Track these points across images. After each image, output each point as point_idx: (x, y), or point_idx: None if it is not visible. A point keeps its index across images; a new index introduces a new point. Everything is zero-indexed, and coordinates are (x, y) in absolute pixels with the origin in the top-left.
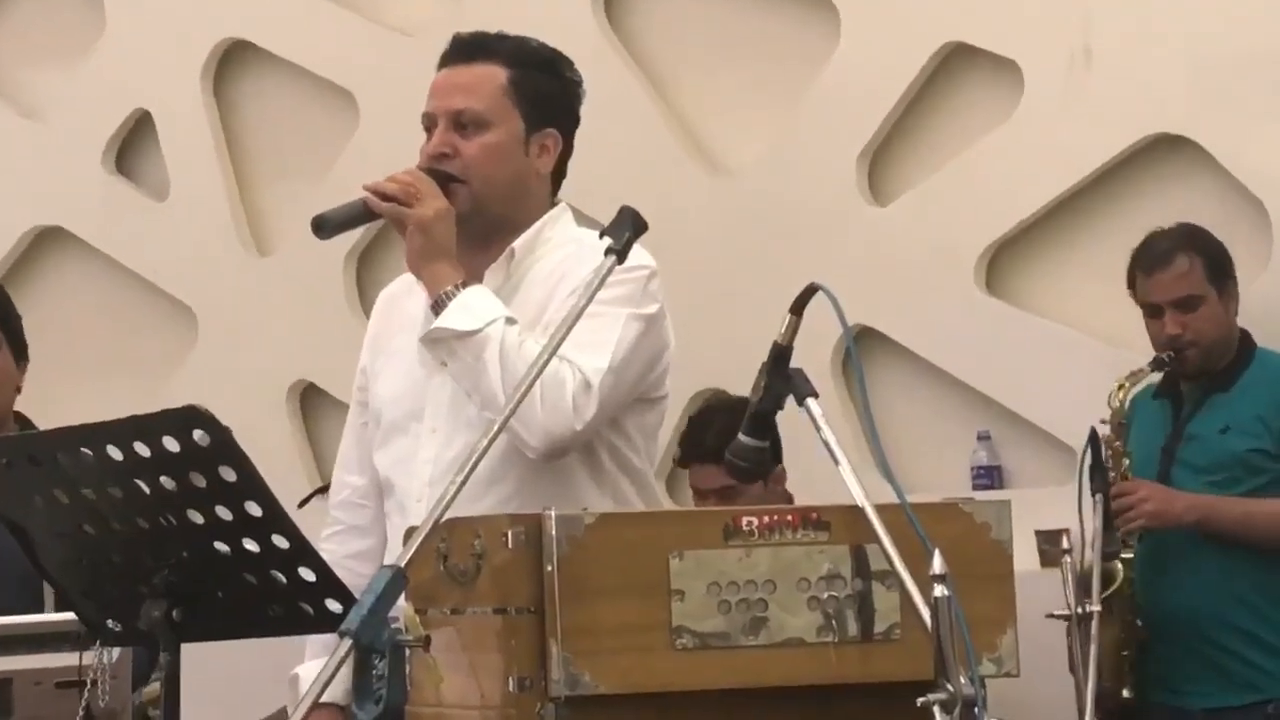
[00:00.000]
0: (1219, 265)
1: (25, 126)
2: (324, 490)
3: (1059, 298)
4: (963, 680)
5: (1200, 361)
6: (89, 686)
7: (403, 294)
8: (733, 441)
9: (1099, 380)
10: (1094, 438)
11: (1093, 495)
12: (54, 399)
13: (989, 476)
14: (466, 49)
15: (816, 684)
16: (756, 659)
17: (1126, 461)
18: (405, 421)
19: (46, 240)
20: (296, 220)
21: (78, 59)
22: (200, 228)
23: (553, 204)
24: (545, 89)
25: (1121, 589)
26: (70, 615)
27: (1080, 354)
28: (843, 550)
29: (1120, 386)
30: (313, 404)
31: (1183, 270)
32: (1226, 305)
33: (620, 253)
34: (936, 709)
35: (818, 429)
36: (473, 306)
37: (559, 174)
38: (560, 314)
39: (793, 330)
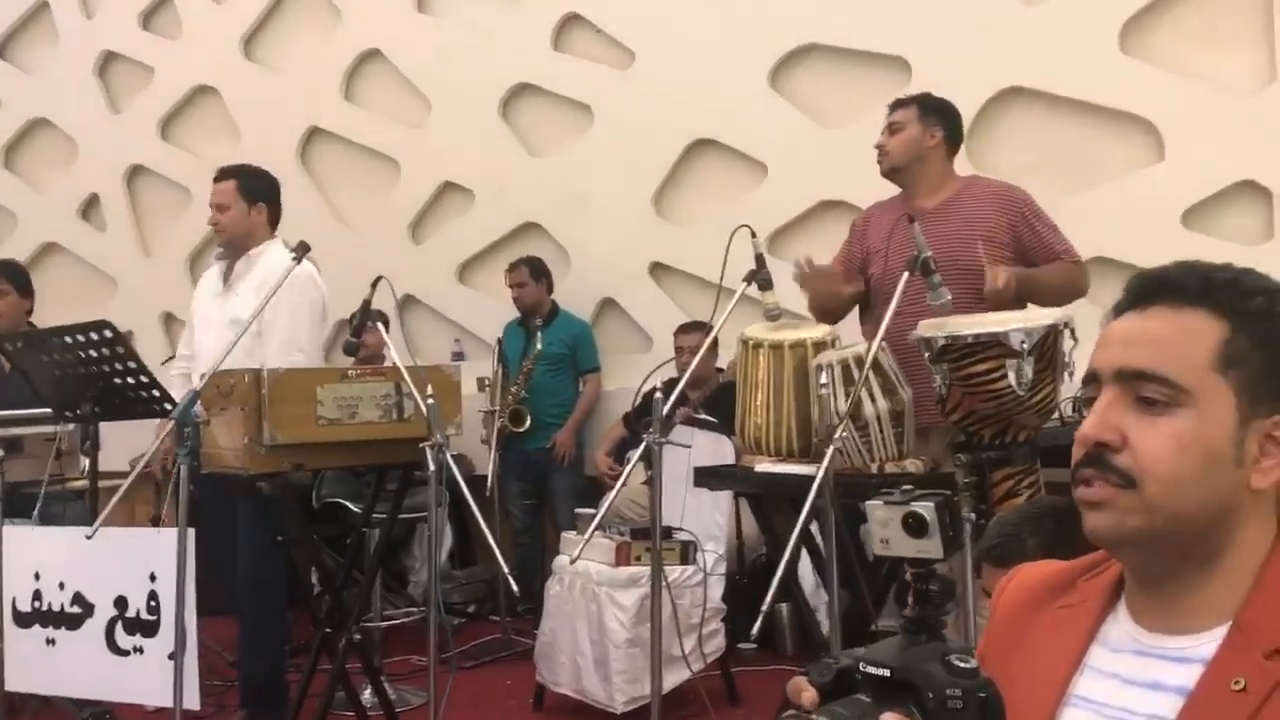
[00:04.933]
0: (539, 273)
1: None
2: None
3: (497, 287)
4: (440, 436)
5: (525, 309)
6: (58, 440)
7: (209, 277)
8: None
9: (502, 316)
10: (499, 341)
11: (497, 364)
12: None
13: (460, 358)
14: (222, 173)
15: (379, 439)
16: (354, 429)
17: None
18: (203, 330)
19: None
20: None
21: None
22: None
23: (272, 237)
24: (255, 186)
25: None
26: (50, 410)
27: (498, 308)
28: (391, 384)
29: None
30: None
31: (520, 278)
32: (540, 288)
33: (297, 261)
34: (428, 449)
35: (385, 339)
36: None
37: (275, 219)
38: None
39: (371, 296)
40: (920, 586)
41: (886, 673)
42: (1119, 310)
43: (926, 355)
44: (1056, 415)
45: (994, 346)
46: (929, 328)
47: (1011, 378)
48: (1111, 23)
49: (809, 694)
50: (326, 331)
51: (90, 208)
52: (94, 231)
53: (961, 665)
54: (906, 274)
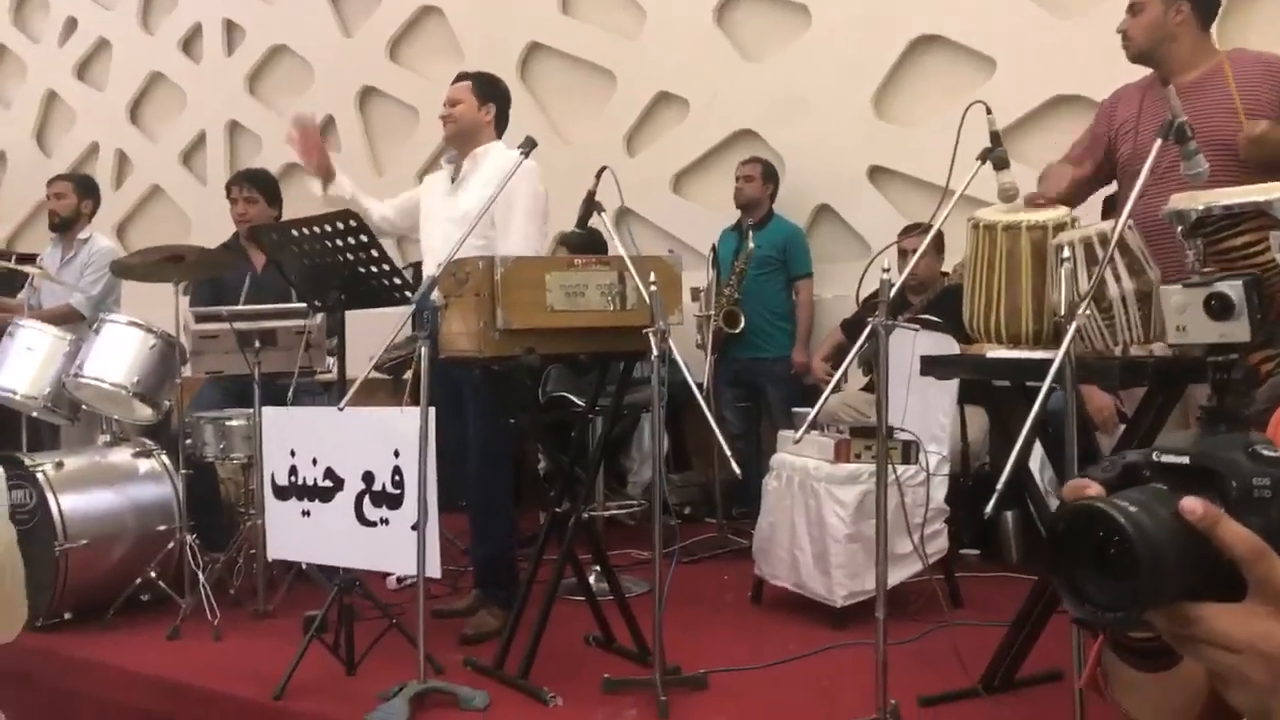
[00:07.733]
0: (769, 175)
1: None
2: (416, 264)
3: (711, 196)
4: (662, 323)
5: (745, 209)
6: (308, 331)
7: (438, 178)
8: (570, 233)
9: (716, 227)
10: (714, 248)
11: (712, 268)
12: None
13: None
14: (461, 76)
15: (604, 326)
16: (581, 315)
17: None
18: (431, 226)
19: None
20: None
21: None
22: None
23: (496, 139)
24: (488, 89)
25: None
26: (302, 304)
27: (712, 218)
28: (615, 273)
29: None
30: None
31: (751, 172)
32: (765, 189)
33: (525, 155)
34: (651, 335)
35: (607, 228)
36: None
37: (501, 124)
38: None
39: (595, 187)
40: (1220, 376)
41: (1185, 460)
42: None
43: (1180, 230)
44: None
45: (1256, 217)
46: (1182, 200)
47: (1275, 250)
48: None
49: (1094, 488)
50: (547, 229)
51: (326, 129)
52: (331, 152)
53: (1269, 454)
54: (1159, 141)
